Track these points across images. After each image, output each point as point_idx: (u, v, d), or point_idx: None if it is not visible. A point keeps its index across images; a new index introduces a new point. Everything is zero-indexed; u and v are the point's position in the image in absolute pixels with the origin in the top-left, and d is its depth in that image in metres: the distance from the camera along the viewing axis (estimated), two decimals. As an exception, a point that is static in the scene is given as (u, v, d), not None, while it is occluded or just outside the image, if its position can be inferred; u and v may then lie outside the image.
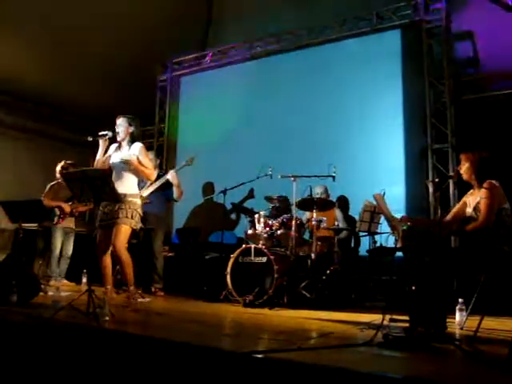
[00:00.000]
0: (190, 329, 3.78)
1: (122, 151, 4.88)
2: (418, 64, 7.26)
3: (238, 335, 3.67)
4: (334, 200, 6.57)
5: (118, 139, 4.88)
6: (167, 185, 6.41)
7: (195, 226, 8.26)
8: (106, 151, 4.89)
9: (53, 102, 10.47)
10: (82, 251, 7.41)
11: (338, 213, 6.63)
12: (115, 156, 4.86)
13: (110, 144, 4.90)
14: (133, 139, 4.90)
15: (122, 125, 4.87)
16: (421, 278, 3.56)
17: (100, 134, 4.80)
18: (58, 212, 6.97)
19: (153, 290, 6.34)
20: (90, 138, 4.82)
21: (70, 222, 7.16)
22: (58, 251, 6.99)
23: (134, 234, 6.20)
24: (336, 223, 6.25)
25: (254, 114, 8.47)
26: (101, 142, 4.80)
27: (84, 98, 10.25)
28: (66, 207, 6.98)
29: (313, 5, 8.50)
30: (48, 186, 7.18)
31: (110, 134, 4.80)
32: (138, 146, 4.87)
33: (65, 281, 7.23)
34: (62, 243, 7.11)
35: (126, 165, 4.73)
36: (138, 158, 4.80)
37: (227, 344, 3.25)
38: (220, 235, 6.64)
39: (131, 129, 4.89)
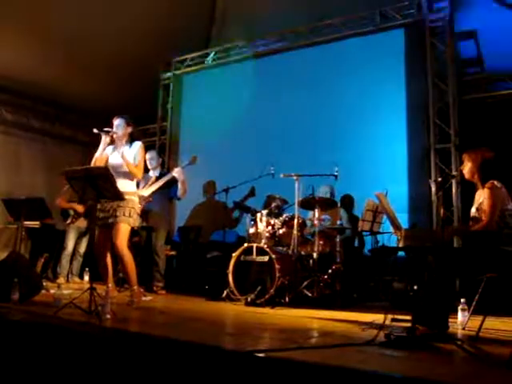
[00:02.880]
0: (191, 327, 3.78)
1: (121, 151, 4.89)
2: (421, 63, 7.25)
3: (240, 334, 3.66)
4: (338, 199, 6.56)
5: (115, 137, 4.89)
6: (171, 182, 6.41)
7: (197, 224, 8.25)
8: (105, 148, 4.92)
9: (56, 100, 10.48)
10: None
11: (342, 212, 6.62)
12: (113, 157, 4.89)
13: (110, 143, 4.92)
14: (132, 139, 4.93)
15: (120, 125, 4.90)
16: (423, 277, 3.55)
17: (105, 129, 4.83)
18: (72, 212, 7.21)
19: (154, 288, 6.34)
20: (95, 130, 4.84)
21: (84, 222, 7.35)
22: (70, 249, 7.26)
23: (136, 232, 6.25)
24: (339, 222, 6.24)
25: (256, 112, 8.47)
26: (104, 137, 4.82)
27: (87, 96, 10.25)
28: (80, 208, 7.18)
29: (316, 3, 8.49)
30: (65, 188, 7.31)
31: (113, 131, 4.83)
32: (138, 144, 4.94)
33: (76, 279, 7.38)
34: (76, 242, 7.34)
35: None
36: (135, 157, 4.87)
37: (229, 343, 3.24)
38: (222, 234, 6.63)
39: (129, 129, 4.92)
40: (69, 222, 7.32)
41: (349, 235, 6.63)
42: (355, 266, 6.37)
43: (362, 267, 6.47)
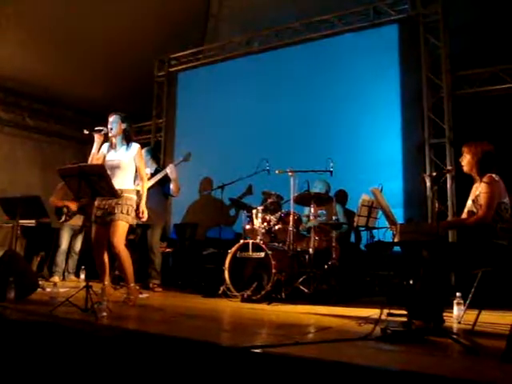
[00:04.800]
0: (188, 324, 3.78)
1: (118, 150, 4.88)
2: (415, 58, 7.25)
3: (236, 330, 3.68)
4: (333, 194, 6.57)
5: (110, 135, 4.87)
6: (165, 180, 6.40)
7: (193, 221, 8.26)
8: (100, 147, 4.92)
9: (50, 98, 10.45)
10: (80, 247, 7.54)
11: (337, 207, 6.62)
12: (110, 155, 4.88)
13: (104, 141, 4.91)
14: (126, 136, 4.91)
15: (115, 121, 4.88)
16: (418, 272, 3.56)
17: (96, 128, 4.81)
18: (65, 210, 7.17)
19: (150, 285, 6.34)
20: (86, 132, 4.85)
21: (78, 220, 7.32)
22: (64, 248, 7.23)
23: (132, 229, 6.23)
24: (334, 218, 6.24)
25: (251, 108, 8.46)
26: (96, 136, 4.82)
27: (82, 94, 10.23)
28: (73, 206, 7.15)
29: (311, -1, 8.50)
30: (58, 186, 7.28)
31: (105, 129, 4.82)
32: (136, 147, 4.92)
33: (72, 277, 7.38)
34: (71, 240, 7.32)
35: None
36: (134, 160, 4.88)
37: (225, 339, 3.25)
38: (218, 230, 6.63)
39: (124, 125, 4.90)
40: (62, 220, 7.28)
41: (344, 230, 6.64)
42: (351, 261, 6.39)
43: (357, 262, 6.48)
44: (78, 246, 7.46)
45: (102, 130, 4.81)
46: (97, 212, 4.75)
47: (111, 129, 4.85)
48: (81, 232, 7.43)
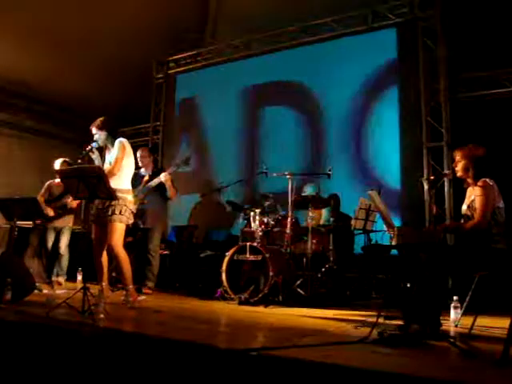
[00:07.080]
0: (185, 326, 3.78)
1: (111, 153, 4.89)
2: (413, 62, 7.27)
3: (234, 333, 3.67)
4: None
5: (101, 145, 4.91)
6: (163, 185, 6.39)
7: (191, 223, 8.25)
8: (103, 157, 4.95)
9: (48, 99, 10.44)
10: (76, 249, 7.46)
11: (324, 211, 6.62)
12: (106, 158, 4.90)
13: (100, 151, 4.93)
14: (113, 138, 4.91)
15: (96, 133, 4.91)
16: (416, 275, 3.56)
17: (86, 149, 4.84)
18: (51, 213, 7.05)
19: (143, 289, 6.27)
20: (79, 160, 4.87)
21: (62, 222, 7.18)
22: (50, 249, 7.08)
23: (131, 232, 6.21)
24: (324, 220, 6.25)
25: (250, 110, 8.47)
26: (90, 154, 4.85)
27: (80, 95, 10.22)
28: (51, 212, 6.90)
29: (309, 2, 8.49)
30: (45, 186, 7.21)
31: (94, 144, 4.85)
32: (117, 141, 4.87)
33: (61, 278, 7.28)
34: (55, 241, 7.18)
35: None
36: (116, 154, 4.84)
37: (223, 341, 3.25)
38: (216, 233, 6.63)
39: (104, 130, 4.90)
40: (39, 222, 6.98)
41: (339, 233, 6.62)
42: (348, 264, 6.39)
43: (354, 265, 6.48)
44: (60, 246, 7.25)
45: (91, 148, 4.84)
46: (94, 210, 4.76)
47: (96, 140, 4.88)
48: (64, 233, 7.26)
